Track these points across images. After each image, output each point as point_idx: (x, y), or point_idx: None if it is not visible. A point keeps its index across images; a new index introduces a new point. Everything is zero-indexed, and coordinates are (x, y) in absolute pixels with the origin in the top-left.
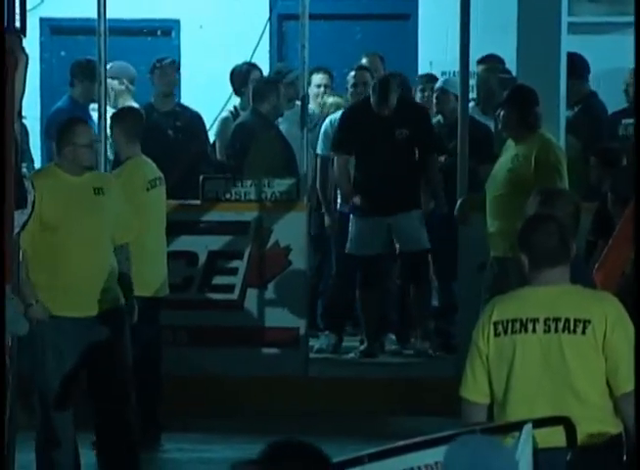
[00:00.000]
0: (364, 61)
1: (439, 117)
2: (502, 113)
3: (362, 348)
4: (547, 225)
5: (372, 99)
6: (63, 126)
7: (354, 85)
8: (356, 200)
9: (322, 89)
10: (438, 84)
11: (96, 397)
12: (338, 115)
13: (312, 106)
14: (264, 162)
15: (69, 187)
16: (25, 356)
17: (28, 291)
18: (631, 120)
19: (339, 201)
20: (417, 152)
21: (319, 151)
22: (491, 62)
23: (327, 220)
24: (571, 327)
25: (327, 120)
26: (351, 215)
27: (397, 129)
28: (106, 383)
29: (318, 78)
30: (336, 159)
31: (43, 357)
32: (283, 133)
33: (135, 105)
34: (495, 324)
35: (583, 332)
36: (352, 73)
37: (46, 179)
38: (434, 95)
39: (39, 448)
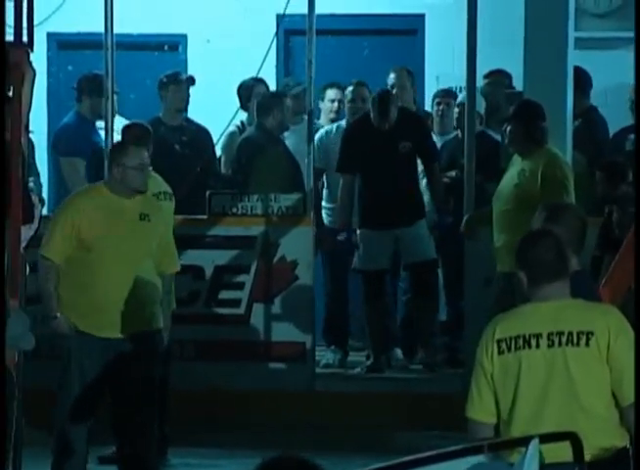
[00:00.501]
0: (392, 76)
1: (458, 131)
2: (508, 128)
3: (368, 363)
4: (544, 240)
5: (372, 114)
6: (114, 147)
7: (352, 100)
8: (340, 237)
9: (336, 104)
10: (460, 99)
11: (117, 417)
12: (332, 126)
13: (323, 121)
14: (269, 176)
15: (113, 208)
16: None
17: (52, 304)
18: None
19: (324, 215)
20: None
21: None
22: (497, 76)
23: (318, 234)
24: (575, 340)
25: (322, 131)
26: (359, 231)
27: (400, 142)
28: (128, 405)
29: (332, 93)
30: (341, 179)
31: (67, 371)
32: (288, 148)
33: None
34: (499, 342)
35: (587, 344)
36: (350, 89)
37: (90, 197)
38: (457, 110)
39: (54, 460)
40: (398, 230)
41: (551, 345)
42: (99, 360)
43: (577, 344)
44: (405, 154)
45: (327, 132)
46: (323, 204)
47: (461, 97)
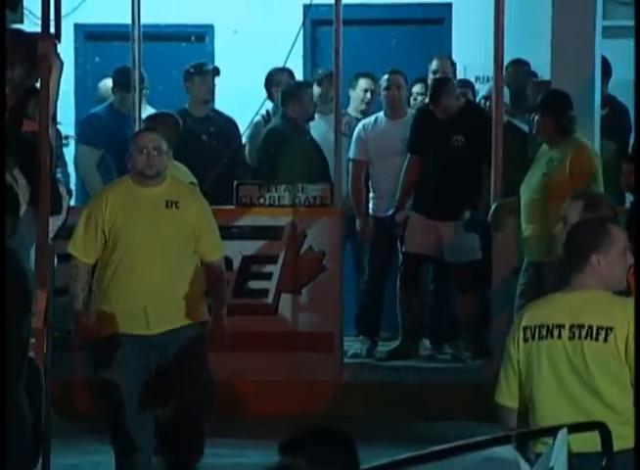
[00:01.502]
0: (434, 63)
1: None
2: (536, 117)
3: (396, 345)
4: (580, 230)
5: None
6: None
7: (387, 88)
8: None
9: (368, 94)
10: (484, 90)
11: (163, 414)
12: (371, 119)
13: (352, 110)
14: (294, 166)
15: (136, 198)
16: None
17: (77, 304)
18: None
19: (370, 205)
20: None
21: (351, 155)
22: (518, 65)
23: (358, 224)
24: (594, 334)
25: (360, 124)
26: (410, 212)
27: (455, 135)
28: (174, 402)
29: (364, 83)
30: (407, 158)
31: (109, 376)
32: (313, 137)
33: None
34: (524, 329)
35: (605, 339)
36: (386, 77)
37: (114, 190)
38: (480, 101)
39: (118, 455)
40: (441, 224)
41: (572, 337)
42: (138, 359)
43: (596, 338)
44: (459, 148)
45: (365, 125)
46: (370, 195)
47: (485, 88)
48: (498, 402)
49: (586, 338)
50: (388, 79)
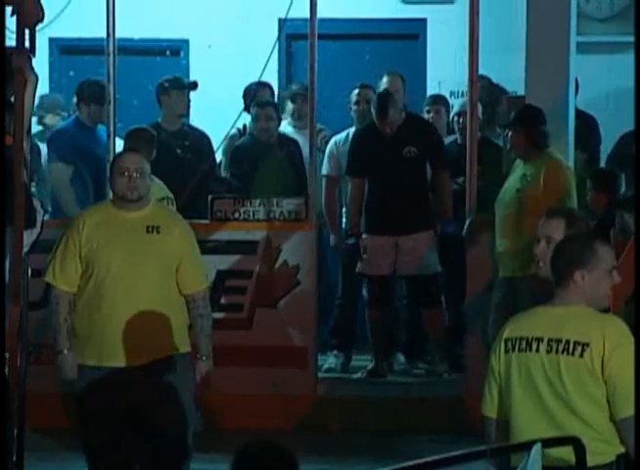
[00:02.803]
0: (385, 79)
1: (457, 136)
2: (509, 133)
3: (370, 367)
4: (563, 246)
5: (374, 117)
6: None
7: (357, 103)
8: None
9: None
10: (456, 105)
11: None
12: (342, 135)
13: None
14: (262, 182)
15: (115, 223)
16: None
17: (59, 338)
18: None
19: (344, 220)
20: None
21: (324, 171)
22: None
23: (332, 240)
24: (571, 349)
25: (332, 141)
26: (364, 235)
27: (405, 147)
28: (153, 437)
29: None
30: (349, 183)
31: (82, 414)
32: (290, 151)
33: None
34: (506, 341)
35: (581, 355)
36: (356, 91)
37: (92, 214)
38: (453, 118)
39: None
40: (399, 238)
41: (549, 351)
42: (111, 392)
43: (572, 353)
44: (411, 159)
45: (336, 141)
46: (344, 210)
47: (458, 103)
48: (483, 414)
49: (563, 352)
50: (359, 94)
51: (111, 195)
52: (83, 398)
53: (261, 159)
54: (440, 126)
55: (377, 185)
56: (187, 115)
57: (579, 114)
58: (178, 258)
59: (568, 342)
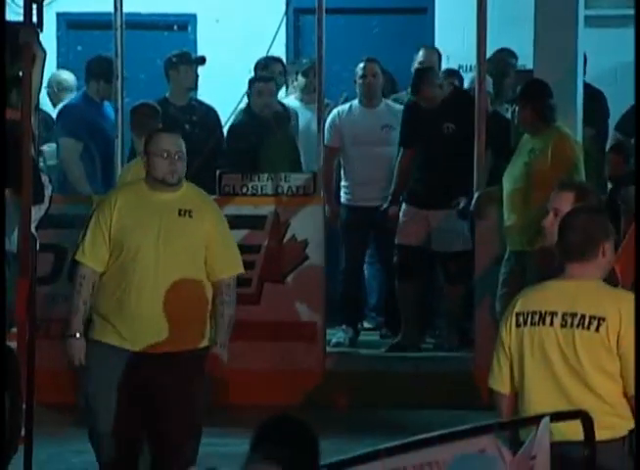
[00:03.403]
0: (421, 54)
1: None
2: (517, 107)
3: (398, 339)
4: (575, 219)
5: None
6: (146, 136)
7: (363, 76)
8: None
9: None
10: (469, 83)
11: (151, 446)
12: (345, 106)
13: None
14: (262, 158)
15: (146, 203)
16: None
17: (74, 321)
18: None
19: (342, 194)
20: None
21: (325, 141)
22: (500, 54)
23: (327, 211)
24: (586, 323)
25: (334, 111)
26: (404, 205)
27: (444, 123)
28: (162, 433)
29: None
30: (400, 152)
31: (93, 387)
32: (288, 128)
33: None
34: (517, 315)
35: (597, 329)
36: (361, 65)
37: (124, 193)
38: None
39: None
40: (431, 213)
41: (564, 325)
42: (129, 378)
43: (588, 327)
44: (449, 135)
45: (339, 112)
46: (342, 183)
47: (468, 78)
48: (491, 388)
49: (578, 327)
50: (364, 67)
51: (122, 170)
52: (96, 375)
53: (262, 135)
54: None
55: (417, 158)
56: (195, 89)
57: (587, 87)
58: (208, 243)
59: (583, 316)
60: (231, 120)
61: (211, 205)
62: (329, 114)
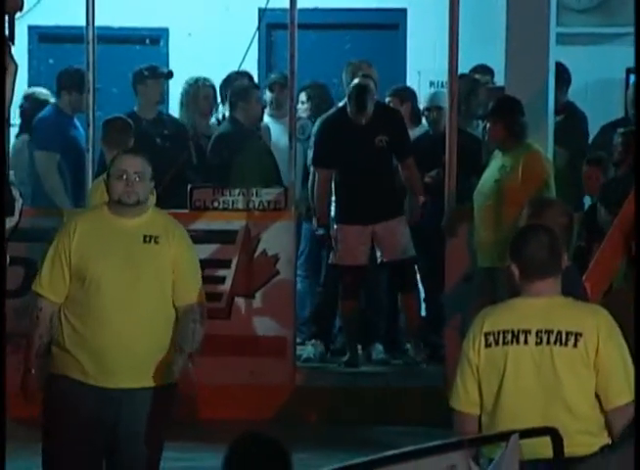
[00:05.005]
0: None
1: (427, 128)
2: (488, 124)
3: (345, 358)
4: (538, 236)
5: (349, 107)
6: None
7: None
8: (319, 231)
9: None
10: (427, 102)
11: None
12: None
13: None
14: (245, 170)
15: (110, 229)
16: None
17: (30, 355)
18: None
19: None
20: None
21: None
22: (474, 72)
23: (316, 228)
24: (563, 340)
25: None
26: (336, 226)
27: (377, 136)
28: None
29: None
30: (317, 174)
31: (54, 425)
32: (265, 141)
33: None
34: (486, 335)
35: (575, 345)
36: (355, 81)
37: (85, 218)
38: (423, 112)
39: None
40: (376, 225)
41: (539, 342)
42: (92, 415)
43: (565, 344)
44: (382, 148)
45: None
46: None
47: (426, 96)
48: (454, 408)
49: (555, 343)
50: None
51: (92, 185)
52: (57, 409)
53: (248, 146)
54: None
55: (348, 175)
56: (163, 102)
57: (569, 105)
58: (175, 268)
59: (560, 332)
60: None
61: (179, 230)
62: (301, 128)
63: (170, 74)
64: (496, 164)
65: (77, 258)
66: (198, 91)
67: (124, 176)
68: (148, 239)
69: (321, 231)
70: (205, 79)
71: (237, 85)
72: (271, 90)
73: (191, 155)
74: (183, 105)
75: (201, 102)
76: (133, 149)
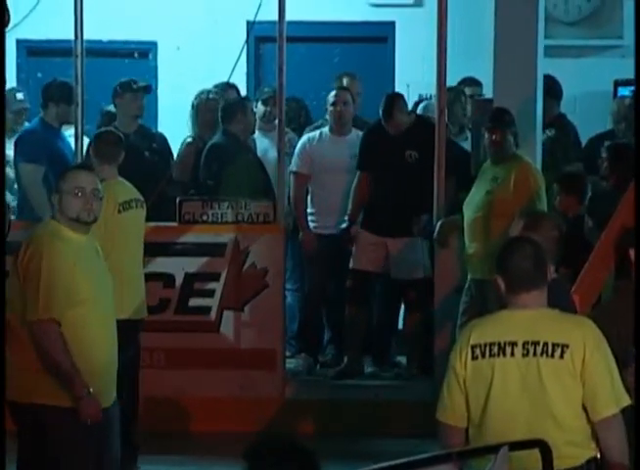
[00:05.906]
0: (344, 81)
1: None
2: (487, 134)
3: (342, 366)
4: (524, 249)
5: (381, 116)
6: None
7: (334, 104)
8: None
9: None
10: (419, 110)
11: None
12: (316, 133)
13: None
14: (238, 182)
15: (78, 248)
16: None
17: (77, 379)
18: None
19: (308, 221)
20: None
21: (293, 167)
22: (467, 84)
23: (301, 236)
24: (550, 351)
25: (304, 137)
26: (359, 229)
27: (407, 151)
28: None
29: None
30: (357, 175)
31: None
32: (255, 153)
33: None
34: (473, 347)
35: (561, 356)
36: (333, 93)
37: (52, 240)
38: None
39: None
40: (389, 239)
41: (526, 354)
42: (93, 437)
43: (552, 355)
44: (412, 163)
45: (310, 139)
46: (308, 210)
47: (420, 107)
48: (440, 421)
49: (542, 355)
50: (336, 95)
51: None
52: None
53: (241, 158)
54: None
55: (377, 184)
56: (141, 116)
57: (561, 118)
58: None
59: (546, 344)
60: (177, 151)
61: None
62: (289, 142)
63: (149, 89)
64: (487, 175)
65: (78, 283)
66: (202, 104)
67: (80, 193)
68: (98, 252)
69: (344, 225)
70: (209, 92)
71: (231, 98)
72: (264, 104)
73: (172, 168)
74: (191, 117)
75: (206, 114)
76: (85, 165)
